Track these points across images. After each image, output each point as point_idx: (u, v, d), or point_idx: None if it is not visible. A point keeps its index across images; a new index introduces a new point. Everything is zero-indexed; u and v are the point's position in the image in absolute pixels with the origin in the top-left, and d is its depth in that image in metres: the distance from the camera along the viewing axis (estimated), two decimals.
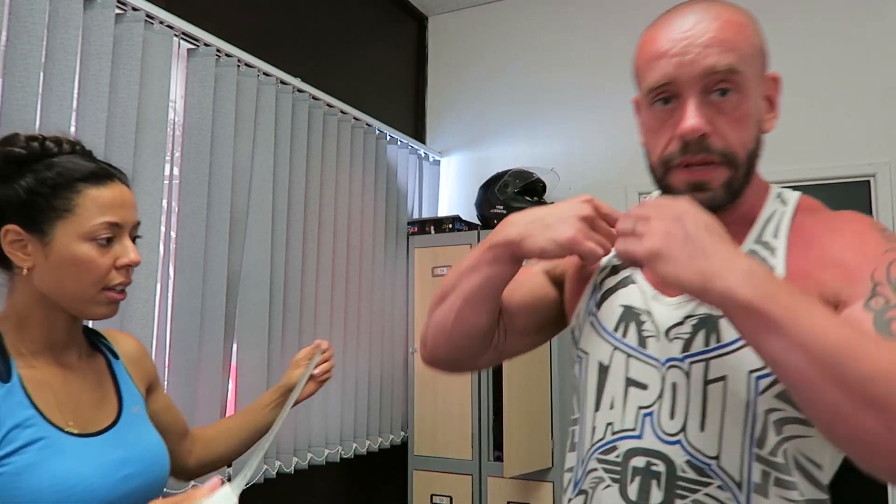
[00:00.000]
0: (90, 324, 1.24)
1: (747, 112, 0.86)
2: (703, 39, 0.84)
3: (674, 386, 0.88)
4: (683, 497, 0.84)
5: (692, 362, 0.86)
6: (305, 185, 2.58)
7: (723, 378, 0.84)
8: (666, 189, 0.90)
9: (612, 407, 0.93)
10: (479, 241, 2.96)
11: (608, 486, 0.90)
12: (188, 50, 2.17)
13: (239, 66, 2.29)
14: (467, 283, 0.99)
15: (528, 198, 2.97)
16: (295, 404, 1.21)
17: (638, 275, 0.96)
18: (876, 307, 0.76)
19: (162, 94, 2.00)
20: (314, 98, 2.67)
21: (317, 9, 2.85)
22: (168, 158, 2.06)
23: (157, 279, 1.95)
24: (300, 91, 2.59)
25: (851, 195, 2.72)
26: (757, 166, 0.91)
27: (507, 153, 3.37)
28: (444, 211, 3.52)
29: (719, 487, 0.83)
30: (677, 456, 0.86)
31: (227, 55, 2.25)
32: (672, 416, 0.87)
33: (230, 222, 2.22)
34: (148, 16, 1.97)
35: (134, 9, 1.93)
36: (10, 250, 0.95)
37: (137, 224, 1.03)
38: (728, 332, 0.85)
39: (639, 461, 0.88)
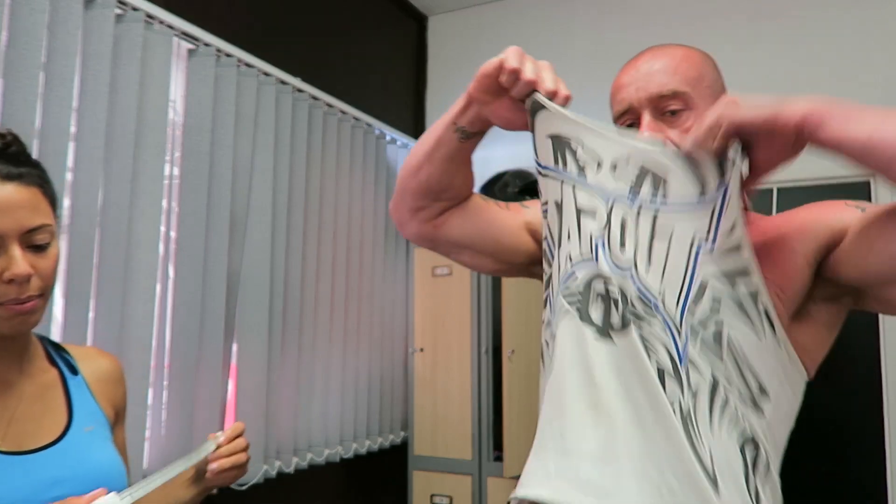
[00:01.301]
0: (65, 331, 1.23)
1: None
2: (647, 74, 1.02)
3: (622, 221, 0.94)
4: (635, 324, 0.91)
5: (642, 207, 0.93)
6: (305, 186, 2.58)
7: (670, 230, 0.91)
8: None
9: (569, 238, 0.99)
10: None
11: (568, 312, 0.96)
12: (188, 50, 2.17)
13: (239, 66, 2.29)
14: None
15: (528, 198, 2.97)
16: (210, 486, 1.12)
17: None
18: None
19: (162, 94, 2.00)
20: (314, 98, 2.67)
21: (317, 9, 2.85)
22: (168, 158, 2.06)
23: (157, 279, 1.95)
24: (300, 91, 2.59)
25: (851, 195, 2.71)
26: None
27: (506, 153, 3.36)
28: None
29: (662, 328, 0.90)
30: (629, 287, 0.92)
31: (227, 55, 2.25)
32: (622, 247, 0.93)
33: (230, 222, 2.22)
34: (148, 16, 1.97)
35: (134, 9, 1.93)
36: None
37: (36, 229, 0.87)
38: (676, 192, 0.91)
39: (598, 284, 0.94)
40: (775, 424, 0.94)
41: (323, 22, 2.90)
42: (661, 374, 0.89)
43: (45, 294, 0.91)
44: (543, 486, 0.97)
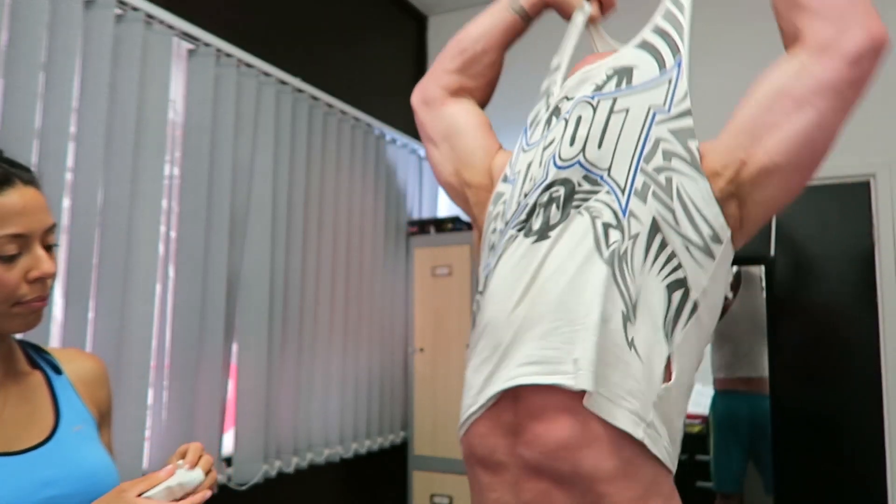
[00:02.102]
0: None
1: None
2: None
3: (578, 118, 1.04)
4: (577, 206, 0.99)
5: (600, 99, 1.04)
6: (305, 185, 2.58)
7: (626, 109, 1.02)
8: None
9: (518, 161, 1.14)
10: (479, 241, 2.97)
11: (512, 238, 1.05)
12: (188, 50, 2.17)
13: (239, 66, 2.29)
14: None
15: None
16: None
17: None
18: None
19: (162, 94, 2.00)
20: (314, 98, 2.67)
21: (317, 9, 2.85)
22: (168, 158, 2.06)
23: (157, 279, 1.95)
24: (300, 91, 2.60)
25: (851, 195, 2.72)
26: None
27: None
28: (444, 211, 3.52)
29: (607, 192, 0.98)
30: (574, 174, 1.01)
31: (227, 55, 2.25)
32: (572, 142, 1.03)
33: (230, 222, 2.22)
34: (148, 16, 1.97)
35: (134, 9, 1.93)
36: None
37: (51, 228, 0.91)
38: (639, 77, 1.04)
39: (542, 197, 1.03)
40: (716, 279, 0.99)
41: (323, 22, 2.90)
42: (605, 229, 0.96)
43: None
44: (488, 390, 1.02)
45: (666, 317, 0.95)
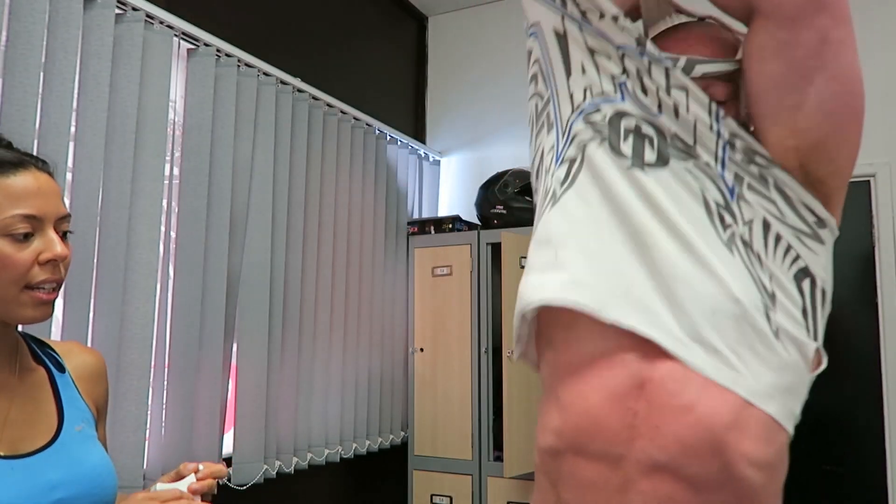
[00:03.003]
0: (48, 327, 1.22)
1: None
2: None
3: (637, 70, 0.93)
4: (683, 159, 0.90)
5: (651, 62, 0.92)
6: (305, 185, 2.58)
7: (685, 86, 0.91)
8: None
9: (583, 72, 0.96)
10: (479, 241, 2.97)
11: (601, 142, 0.93)
12: (188, 50, 2.17)
13: (239, 66, 2.29)
14: None
15: (528, 198, 2.97)
16: None
17: None
18: None
19: (162, 94, 2.00)
20: (314, 98, 2.67)
21: (317, 9, 2.85)
22: (168, 158, 2.06)
23: (157, 279, 1.95)
24: (300, 91, 2.60)
25: (851, 195, 2.70)
26: None
27: (507, 153, 3.37)
28: (444, 211, 3.52)
29: (708, 165, 0.90)
30: (666, 127, 0.92)
31: (227, 55, 2.25)
32: (645, 94, 0.93)
33: (230, 222, 2.22)
34: (148, 16, 1.97)
35: (134, 9, 1.93)
36: None
37: (65, 216, 0.92)
38: (675, 50, 0.94)
39: (628, 122, 0.93)
40: (827, 267, 0.93)
41: (323, 22, 2.90)
42: (716, 206, 0.89)
43: (62, 284, 0.92)
44: (570, 292, 0.89)
45: (804, 308, 0.89)
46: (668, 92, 0.91)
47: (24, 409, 0.92)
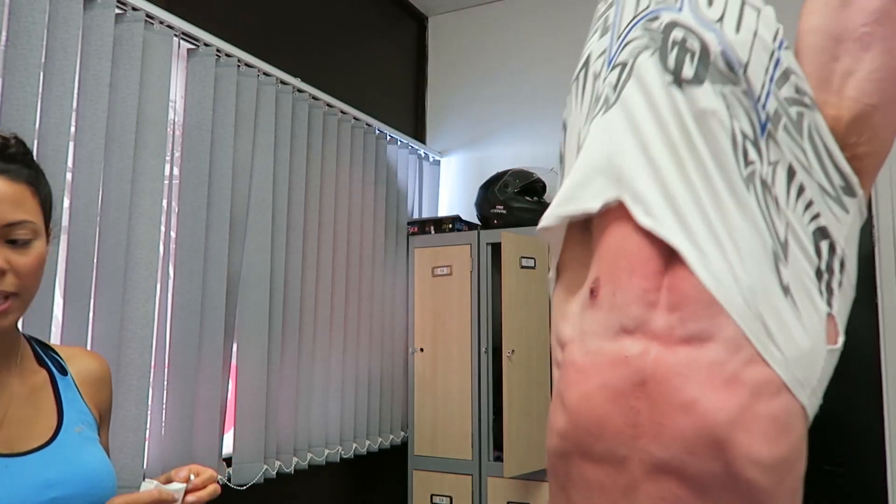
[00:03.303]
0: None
1: None
2: None
3: None
4: (720, 82, 0.85)
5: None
6: (305, 185, 2.58)
7: (757, 8, 0.88)
8: None
9: None
10: (479, 241, 2.97)
11: (652, 52, 0.90)
12: (188, 50, 2.17)
13: (239, 66, 2.29)
14: None
15: (528, 198, 2.97)
16: None
17: None
18: None
19: (162, 94, 2.00)
20: (314, 98, 2.67)
21: (317, 9, 2.85)
22: (168, 158, 2.06)
23: (157, 279, 1.95)
24: (300, 91, 2.60)
25: None
26: None
27: (507, 153, 3.37)
28: (444, 211, 3.52)
29: (744, 93, 0.85)
30: (713, 43, 0.86)
31: (227, 55, 2.25)
32: (710, 5, 0.89)
33: (230, 222, 2.22)
34: (148, 16, 1.97)
35: (134, 9, 1.93)
36: None
37: (15, 223, 0.86)
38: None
39: (678, 33, 0.89)
40: (851, 243, 0.88)
41: (323, 22, 2.90)
42: (743, 138, 0.84)
43: (22, 295, 0.87)
44: (601, 196, 0.87)
45: (819, 269, 0.83)
46: (740, 6, 0.88)
47: (23, 409, 0.92)
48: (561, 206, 0.93)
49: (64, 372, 1.01)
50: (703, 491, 0.78)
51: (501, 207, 2.97)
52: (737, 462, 0.77)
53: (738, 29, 0.87)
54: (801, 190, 0.84)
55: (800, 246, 0.83)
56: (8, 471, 0.85)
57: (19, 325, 0.96)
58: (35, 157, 1.70)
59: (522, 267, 2.76)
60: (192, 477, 0.95)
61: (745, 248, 0.81)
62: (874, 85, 0.85)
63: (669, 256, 0.83)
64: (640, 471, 0.82)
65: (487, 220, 3.04)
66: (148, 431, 1.95)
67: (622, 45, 0.94)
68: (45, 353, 1.01)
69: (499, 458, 2.77)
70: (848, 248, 0.86)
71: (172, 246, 2.09)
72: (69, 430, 0.95)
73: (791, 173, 0.84)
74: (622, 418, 0.83)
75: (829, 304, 0.84)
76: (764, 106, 0.85)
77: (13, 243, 0.86)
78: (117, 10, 1.89)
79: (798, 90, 0.86)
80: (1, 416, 0.89)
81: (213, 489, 0.96)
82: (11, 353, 0.94)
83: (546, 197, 3.03)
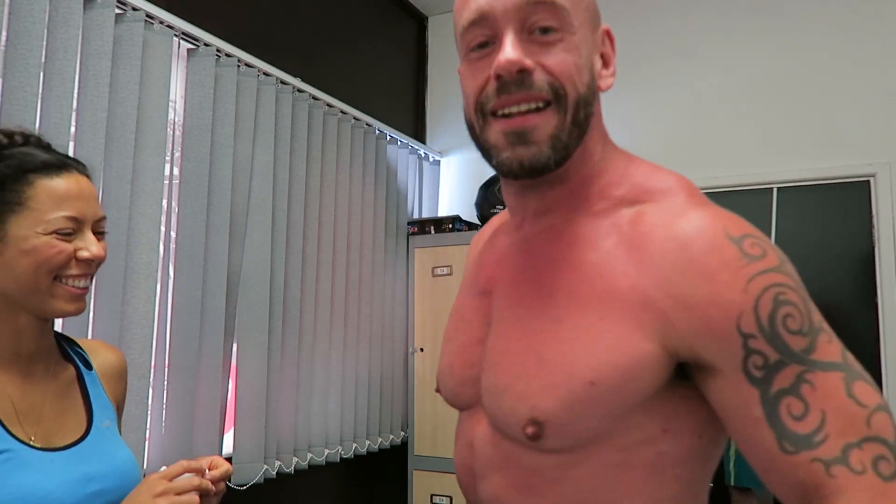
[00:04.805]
0: (60, 325, 1.21)
1: (578, 50, 0.73)
2: None
3: None
4: None
5: None
6: (305, 185, 2.58)
7: None
8: (484, 148, 0.76)
9: None
10: None
11: None
12: (188, 50, 2.17)
13: (239, 66, 2.29)
14: None
15: None
16: None
17: None
18: (757, 374, 0.63)
19: (162, 94, 1.99)
20: (314, 98, 2.67)
21: (317, 9, 2.85)
22: (168, 158, 2.06)
23: (157, 279, 1.95)
24: (300, 91, 2.59)
25: (851, 195, 2.72)
26: (590, 128, 0.77)
27: None
28: (444, 211, 3.52)
29: None
30: None
31: (227, 55, 2.25)
32: None
33: (230, 222, 2.22)
34: (148, 16, 1.97)
35: (134, 9, 1.93)
36: None
37: (102, 219, 0.97)
38: None
39: None
40: None
41: (323, 22, 2.90)
42: None
43: (92, 280, 0.97)
44: None
45: None
46: None
47: (56, 404, 0.96)
48: None
49: (89, 367, 1.05)
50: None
51: (501, 207, 2.96)
52: None
53: None
54: None
55: None
56: (53, 465, 0.89)
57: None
58: None
59: None
60: (208, 472, 0.96)
61: None
62: None
63: None
64: None
65: (487, 219, 3.03)
66: (148, 431, 1.94)
67: None
68: (69, 348, 1.05)
69: None
70: None
71: (172, 246, 2.08)
72: (98, 426, 0.99)
73: None
74: (468, 475, 0.85)
75: None
76: None
77: (97, 234, 0.96)
78: (117, 10, 1.89)
79: None
80: (38, 411, 0.93)
81: (225, 470, 0.97)
82: (49, 352, 0.99)
83: None
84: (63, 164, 0.94)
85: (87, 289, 0.94)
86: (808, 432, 0.61)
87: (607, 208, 0.75)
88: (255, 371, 2.29)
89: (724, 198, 2.93)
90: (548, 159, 0.72)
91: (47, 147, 0.97)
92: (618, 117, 3.18)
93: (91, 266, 0.94)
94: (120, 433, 1.10)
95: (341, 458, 2.73)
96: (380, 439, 2.97)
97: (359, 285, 2.88)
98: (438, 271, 3.03)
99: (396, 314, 3.11)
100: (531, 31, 0.71)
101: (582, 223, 0.75)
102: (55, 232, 0.90)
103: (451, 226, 3.09)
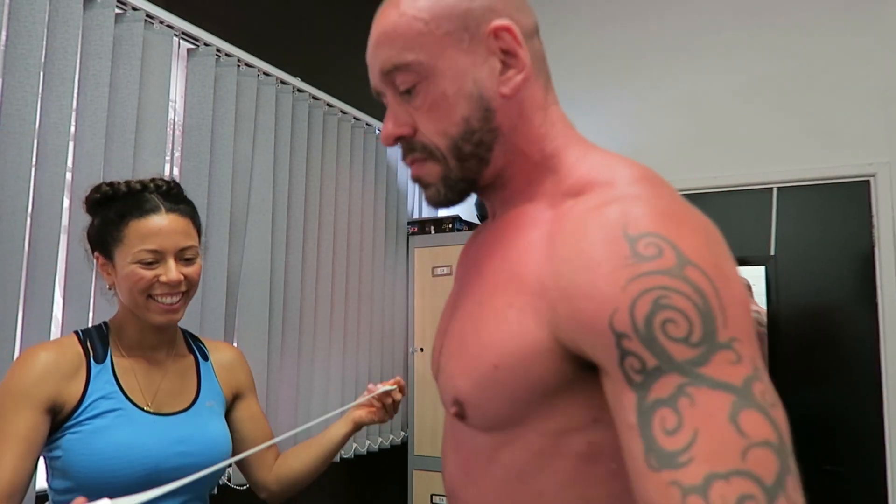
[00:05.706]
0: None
1: (437, 100, 0.75)
2: (371, 48, 0.80)
3: None
4: None
5: None
6: (305, 185, 2.58)
7: None
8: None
9: None
10: None
11: None
12: (188, 50, 2.17)
13: (239, 66, 2.29)
14: None
15: None
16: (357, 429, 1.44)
17: None
18: (636, 378, 0.59)
19: (162, 94, 2.00)
20: (314, 98, 2.67)
21: (317, 9, 2.85)
22: (168, 158, 2.06)
23: None
24: (300, 91, 2.60)
25: (851, 195, 2.72)
26: (511, 135, 0.78)
27: None
28: (443, 211, 3.52)
29: None
30: None
31: (227, 55, 2.25)
32: None
33: (230, 222, 2.22)
34: (148, 16, 1.97)
35: (134, 9, 1.93)
36: (101, 272, 1.24)
37: (186, 248, 1.20)
38: None
39: None
40: None
41: (323, 22, 2.90)
42: None
43: (189, 293, 1.23)
44: None
45: None
46: None
47: (173, 382, 1.26)
48: None
49: (206, 358, 1.36)
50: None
51: None
52: None
53: None
54: None
55: None
56: (156, 425, 1.18)
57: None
58: (41, 158, 1.71)
59: None
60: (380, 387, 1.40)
61: None
62: None
63: None
64: None
65: (486, 219, 3.04)
66: None
67: None
68: (193, 342, 1.36)
69: None
70: None
71: None
72: (202, 404, 1.27)
73: None
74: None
75: None
76: None
77: (186, 260, 1.21)
78: (117, 10, 1.89)
79: None
80: (157, 386, 1.24)
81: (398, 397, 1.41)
82: (172, 340, 1.30)
83: None
84: (156, 207, 1.19)
85: (175, 304, 1.20)
86: (675, 450, 0.54)
87: (554, 202, 0.75)
88: (254, 370, 2.28)
89: (724, 198, 2.93)
90: (443, 196, 0.80)
91: (167, 191, 1.22)
92: (618, 117, 3.19)
93: (174, 287, 1.18)
94: (258, 409, 1.42)
95: (341, 458, 2.73)
96: (380, 439, 2.97)
97: (359, 285, 2.88)
98: (438, 271, 3.03)
99: (396, 314, 3.11)
100: (402, 94, 0.77)
101: (528, 214, 0.77)
102: (139, 262, 1.16)
103: (450, 226, 3.09)
